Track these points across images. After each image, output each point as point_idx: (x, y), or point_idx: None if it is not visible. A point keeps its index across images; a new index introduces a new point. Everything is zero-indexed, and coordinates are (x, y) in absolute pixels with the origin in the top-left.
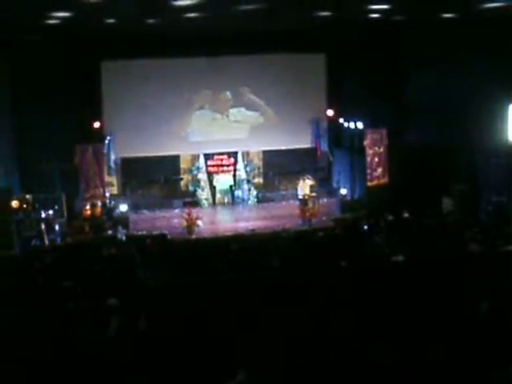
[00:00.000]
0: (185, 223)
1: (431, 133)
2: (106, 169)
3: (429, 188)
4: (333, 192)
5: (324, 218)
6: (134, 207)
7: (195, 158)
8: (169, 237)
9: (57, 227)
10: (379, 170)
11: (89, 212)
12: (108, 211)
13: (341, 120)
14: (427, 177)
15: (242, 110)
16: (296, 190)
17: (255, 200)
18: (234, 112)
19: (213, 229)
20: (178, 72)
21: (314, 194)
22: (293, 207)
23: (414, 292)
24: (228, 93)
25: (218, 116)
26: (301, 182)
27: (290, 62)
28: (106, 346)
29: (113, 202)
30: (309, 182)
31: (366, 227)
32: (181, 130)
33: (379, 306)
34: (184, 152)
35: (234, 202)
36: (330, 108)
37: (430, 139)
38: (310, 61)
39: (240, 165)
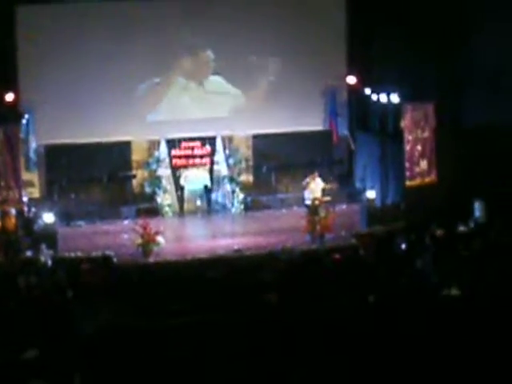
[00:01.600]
0: (139, 240)
1: (499, 110)
2: (22, 161)
3: (497, 189)
4: (355, 195)
5: (343, 233)
6: (65, 217)
7: (154, 145)
8: (115, 260)
9: None
10: (423, 163)
11: None
12: (26, 223)
13: (367, 91)
14: (494, 173)
15: (221, 79)
16: (302, 192)
17: (242, 207)
18: (213, 80)
19: (180, 248)
20: (132, 21)
21: (327, 199)
22: (297, 217)
23: (476, 342)
24: (209, 51)
25: (192, 85)
26: (309, 181)
27: (296, 4)
28: None
29: (33, 210)
30: (320, 180)
31: (403, 246)
32: (134, 106)
33: (423, 360)
34: (137, 137)
35: (210, 209)
36: (352, 73)
37: (497, 119)
38: (325, 4)
39: (220, 156)
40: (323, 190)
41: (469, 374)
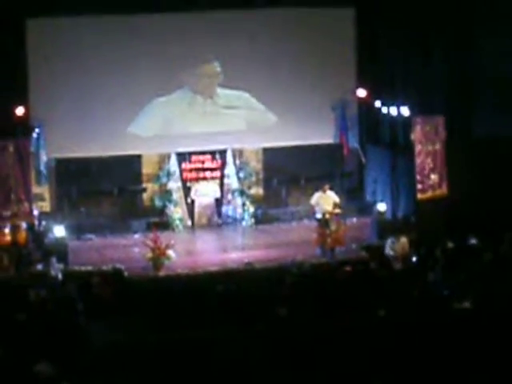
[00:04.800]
0: (149, 254)
1: (509, 121)
2: (33, 175)
3: (508, 202)
4: (366, 208)
5: (353, 246)
6: (75, 231)
7: (164, 159)
8: (126, 274)
9: None
10: (434, 176)
11: (9, 238)
12: (37, 237)
13: (377, 104)
14: (505, 186)
15: (229, 92)
16: (312, 205)
17: (252, 220)
18: (222, 94)
19: (190, 262)
20: (140, 34)
21: (338, 211)
22: (308, 230)
23: (489, 355)
24: (216, 64)
25: (200, 99)
26: (319, 194)
27: (305, 19)
28: None
29: (44, 224)
30: (331, 193)
31: (414, 259)
32: (143, 120)
33: (435, 375)
34: (148, 151)
35: (221, 222)
36: (362, 87)
37: (507, 130)
38: (334, 18)
39: (230, 169)
40: (335, 205)
41: None
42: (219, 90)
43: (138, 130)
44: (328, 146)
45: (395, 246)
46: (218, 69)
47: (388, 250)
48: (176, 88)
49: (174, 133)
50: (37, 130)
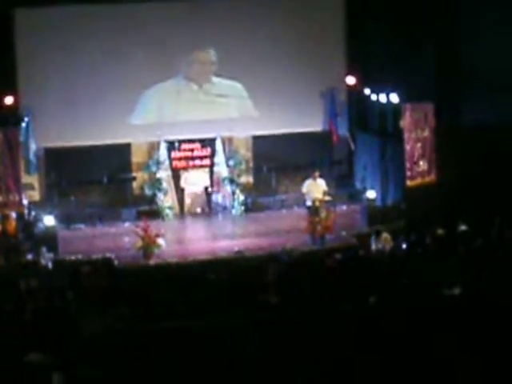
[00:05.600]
0: (139, 243)
1: (499, 109)
2: (22, 164)
3: (497, 188)
4: (356, 195)
5: (343, 234)
6: (65, 220)
7: (153, 147)
8: (116, 262)
9: None
10: (423, 162)
11: None
12: (26, 226)
13: (367, 91)
14: (494, 172)
15: (221, 81)
16: (302, 192)
17: (242, 208)
18: (214, 82)
19: (181, 250)
20: (132, 23)
21: (328, 199)
22: (298, 218)
23: (478, 342)
24: (211, 52)
25: (193, 86)
26: (309, 182)
27: (294, 6)
28: None
29: (33, 213)
30: (321, 181)
31: (404, 246)
32: (133, 108)
33: (425, 361)
34: (137, 139)
35: (211, 210)
36: (351, 74)
37: (497, 118)
38: (323, 5)
39: (220, 157)
40: (324, 193)
41: (470, 372)
42: (214, 79)
43: (129, 118)
44: (317, 133)
45: (378, 242)
46: (213, 57)
47: (373, 246)
48: (170, 76)
49: (165, 121)
50: (26, 119)
